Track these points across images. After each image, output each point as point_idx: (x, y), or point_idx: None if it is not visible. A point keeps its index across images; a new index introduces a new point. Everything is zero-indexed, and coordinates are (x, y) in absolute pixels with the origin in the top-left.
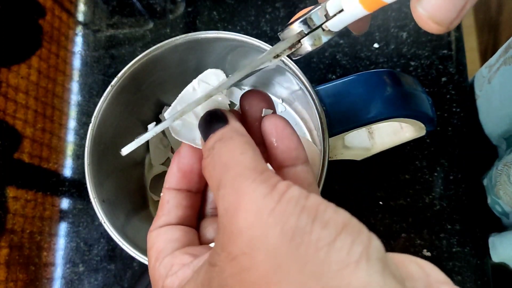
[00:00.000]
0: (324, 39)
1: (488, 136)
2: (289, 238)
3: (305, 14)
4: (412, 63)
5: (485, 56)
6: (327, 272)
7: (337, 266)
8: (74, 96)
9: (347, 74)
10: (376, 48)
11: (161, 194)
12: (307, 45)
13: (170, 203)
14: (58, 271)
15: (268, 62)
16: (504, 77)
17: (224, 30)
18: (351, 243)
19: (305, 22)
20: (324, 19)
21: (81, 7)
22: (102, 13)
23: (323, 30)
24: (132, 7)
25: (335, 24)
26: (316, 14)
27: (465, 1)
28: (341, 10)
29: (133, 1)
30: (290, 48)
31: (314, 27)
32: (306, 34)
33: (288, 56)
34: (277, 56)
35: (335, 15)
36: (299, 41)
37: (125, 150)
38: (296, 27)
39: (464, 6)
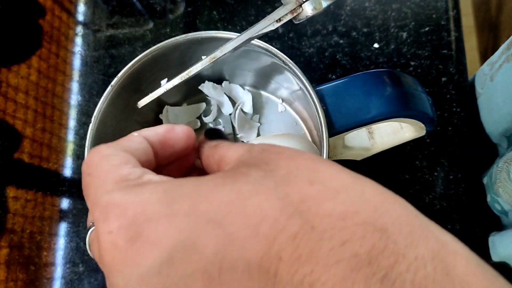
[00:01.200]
0: (324, 4)
1: (489, 134)
2: None
3: None
4: (412, 63)
5: (485, 56)
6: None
7: None
8: (74, 96)
9: (347, 74)
10: (376, 48)
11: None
12: (308, 10)
13: (141, 143)
14: (58, 271)
15: (271, 26)
16: (506, 74)
17: (224, 30)
18: None
19: None
20: None
21: (81, 7)
22: (102, 13)
23: None
24: (132, 7)
25: None
26: None
27: None
28: None
29: (133, 1)
30: (291, 12)
31: None
32: None
33: (290, 20)
34: (279, 20)
35: None
36: (300, 5)
37: (141, 103)
38: None
39: None
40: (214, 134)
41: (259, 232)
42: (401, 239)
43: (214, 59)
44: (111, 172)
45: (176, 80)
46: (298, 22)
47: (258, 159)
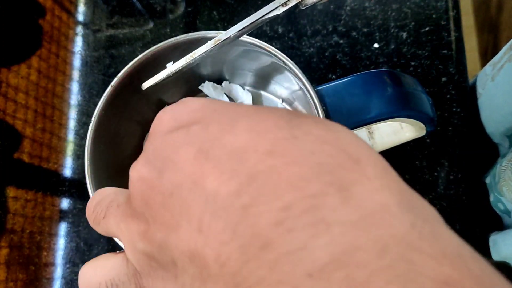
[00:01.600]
0: None
1: (490, 135)
2: None
3: None
4: (412, 63)
5: (485, 56)
6: None
7: None
8: (74, 96)
9: (347, 74)
10: (376, 48)
11: None
12: None
13: None
14: (58, 271)
15: (277, 11)
16: (508, 74)
17: (224, 30)
18: None
19: None
20: None
21: (81, 7)
22: (102, 13)
23: None
24: (132, 7)
25: None
26: None
27: None
28: None
29: (133, 1)
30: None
31: None
32: None
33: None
34: (285, 4)
35: None
36: None
37: (146, 85)
38: None
39: None
40: None
41: None
42: (372, 170)
43: (219, 41)
44: None
45: (181, 62)
46: (304, 7)
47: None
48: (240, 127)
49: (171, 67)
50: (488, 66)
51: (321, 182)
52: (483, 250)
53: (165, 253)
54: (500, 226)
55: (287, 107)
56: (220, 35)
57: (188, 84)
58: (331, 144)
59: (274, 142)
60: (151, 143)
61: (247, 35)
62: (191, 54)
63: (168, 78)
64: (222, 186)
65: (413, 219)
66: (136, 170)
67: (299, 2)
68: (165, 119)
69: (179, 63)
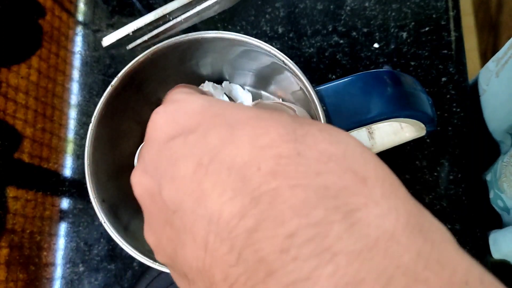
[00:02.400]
0: None
1: (492, 132)
2: None
3: None
4: (412, 63)
5: (485, 56)
6: None
7: None
8: (74, 96)
9: (347, 74)
10: (376, 48)
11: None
12: None
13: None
14: (58, 271)
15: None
16: None
17: (224, 30)
18: None
19: None
20: None
21: (81, 7)
22: (102, 13)
23: None
24: (132, 7)
25: None
26: None
27: None
28: None
29: (133, 1)
30: None
31: None
32: None
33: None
34: None
35: None
36: None
37: (106, 41)
38: None
39: None
40: None
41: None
42: (379, 190)
43: None
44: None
45: (149, 17)
46: None
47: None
48: (241, 137)
49: (135, 24)
50: (491, 62)
51: (326, 208)
52: (483, 250)
53: (177, 265)
54: (499, 224)
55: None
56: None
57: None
58: (337, 162)
59: (277, 161)
60: (147, 152)
61: (247, 35)
62: (161, 9)
63: (128, 36)
64: (225, 206)
65: (421, 245)
66: (137, 180)
67: None
68: (160, 123)
69: (146, 18)
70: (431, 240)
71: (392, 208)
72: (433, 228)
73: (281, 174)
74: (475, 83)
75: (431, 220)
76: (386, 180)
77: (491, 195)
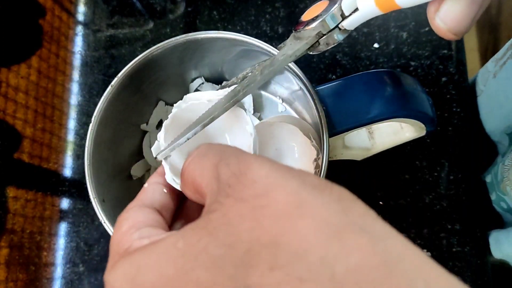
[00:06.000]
0: (340, 37)
1: (489, 132)
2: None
3: (320, 13)
4: (412, 63)
5: (485, 56)
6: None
7: None
8: (74, 96)
9: (347, 74)
10: (376, 48)
11: (145, 185)
12: (324, 45)
13: (154, 191)
14: (58, 271)
15: (288, 61)
16: (510, 71)
17: (224, 30)
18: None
19: (322, 22)
20: (341, 18)
21: (81, 7)
22: (102, 13)
23: (339, 29)
24: (132, 7)
25: (350, 23)
26: (332, 14)
27: (477, 11)
28: (356, 9)
29: (133, 1)
30: (308, 48)
31: (331, 28)
32: (324, 35)
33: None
34: (296, 56)
35: (350, 14)
36: (317, 41)
37: (160, 156)
38: (314, 27)
39: (476, 15)
40: None
41: None
42: None
43: (236, 102)
44: (117, 243)
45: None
46: (311, 53)
47: (220, 204)
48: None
49: (188, 134)
50: (490, 63)
51: None
52: (483, 250)
53: None
54: (500, 224)
55: (287, 107)
56: (238, 96)
57: (188, 84)
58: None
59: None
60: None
61: (247, 35)
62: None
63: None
64: None
65: None
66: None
67: (307, 49)
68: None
69: (193, 129)
70: None
71: None
72: None
73: None
74: (474, 82)
75: None
76: None
77: (493, 197)
